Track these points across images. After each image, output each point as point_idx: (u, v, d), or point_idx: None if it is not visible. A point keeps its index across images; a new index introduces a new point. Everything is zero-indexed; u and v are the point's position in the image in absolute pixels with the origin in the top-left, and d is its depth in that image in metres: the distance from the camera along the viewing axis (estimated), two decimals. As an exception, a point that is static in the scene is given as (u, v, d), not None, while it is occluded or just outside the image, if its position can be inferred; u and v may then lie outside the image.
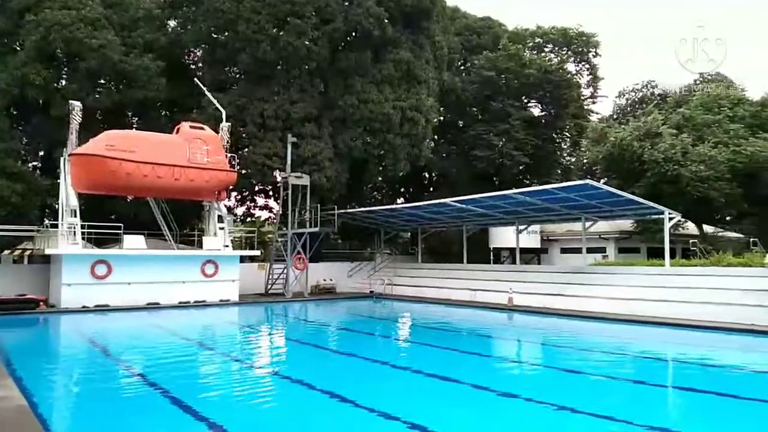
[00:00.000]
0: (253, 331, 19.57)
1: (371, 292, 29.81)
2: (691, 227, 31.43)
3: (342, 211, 30.12)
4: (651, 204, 22.81)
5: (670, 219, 22.76)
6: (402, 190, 44.05)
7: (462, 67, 42.05)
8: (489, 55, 38.00)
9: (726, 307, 17.40)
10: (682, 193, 27.41)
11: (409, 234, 40.60)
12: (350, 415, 8.25)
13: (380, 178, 38.35)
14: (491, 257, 35.26)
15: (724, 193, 27.48)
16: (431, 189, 43.20)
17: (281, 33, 28.21)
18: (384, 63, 30.99)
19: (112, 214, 27.90)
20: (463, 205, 26.40)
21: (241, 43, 28.06)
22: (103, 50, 25.53)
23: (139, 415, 8.20)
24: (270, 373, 11.81)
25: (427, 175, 43.78)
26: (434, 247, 38.62)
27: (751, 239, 28.72)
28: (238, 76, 31.76)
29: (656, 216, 24.43)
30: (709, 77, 37.72)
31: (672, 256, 23.42)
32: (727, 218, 33.25)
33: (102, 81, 27.68)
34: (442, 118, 39.70)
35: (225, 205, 28.20)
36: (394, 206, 34.39)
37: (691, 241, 28.84)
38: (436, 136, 38.68)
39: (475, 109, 40.16)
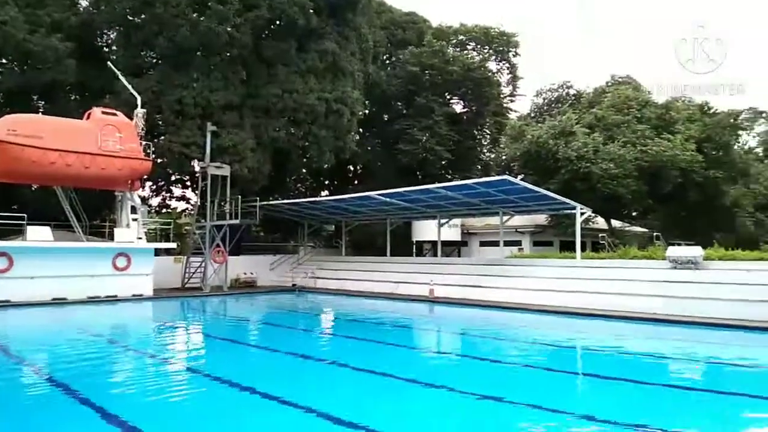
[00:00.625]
0: (169, 326, 18.86)
1: (294, 285, 29.51)
2: (600, 222, 33.20)
3: (264, 202, 29.56)
4: (564, 199, 23.91)
5: (582, 214, 23.96)
6: (326, 182, 43.84)
7: (387, 62, 42.29)
8: (414, 51, 38.42)
9: (631, 297, 18.55)
10: (593, 189, 28.90)
11: (333, 227, 40.51)
12: (273, 411, 8.12)
13: (304, 170, 37.99)
14: (414, 250, 35.78)
15: (631, 190, 29.21)
16: (356, 182, 43.26)
17: (201, 18, 27.24)
18: (309, 53, 30.63)
19: (15, 203, 26.03)
20: (387, 199, 26.61)
21: (159, 27, 26.85)
22: (4, 27, 23.68)
23: (46, 418, 7.71)
24: (188, 371, 11.43)
25: (351, 168, 43.77)
26: (358, 240, 38.75)
27: (655, 233, 30.72)
28: (155, 60, 30.38)
29: (569, 211, 25.62)
30: (620, 79, 39.83)
31: (583, 249, 24.66)
32: (633, 214, 35.43)
33: (4, 61, 25.71)
34: (367, 111, 39.81)
35: (139, 196, 26.96)
36: (318, 199, 34.17)
37: (600, 235, 30.51)
38: (361, 129, 38.75)
39: (399, 104, 40.56)
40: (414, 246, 36.03)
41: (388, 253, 31.76)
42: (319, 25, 30.56)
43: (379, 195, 26.12)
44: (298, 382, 10.15)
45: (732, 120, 33.48)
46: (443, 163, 38.72)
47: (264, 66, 29.90)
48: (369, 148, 40.52)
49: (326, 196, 39.85)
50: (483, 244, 36.72)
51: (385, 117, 41.48)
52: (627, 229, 36.48)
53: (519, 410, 8.14)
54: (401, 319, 20.38)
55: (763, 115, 50.87)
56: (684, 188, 30.36)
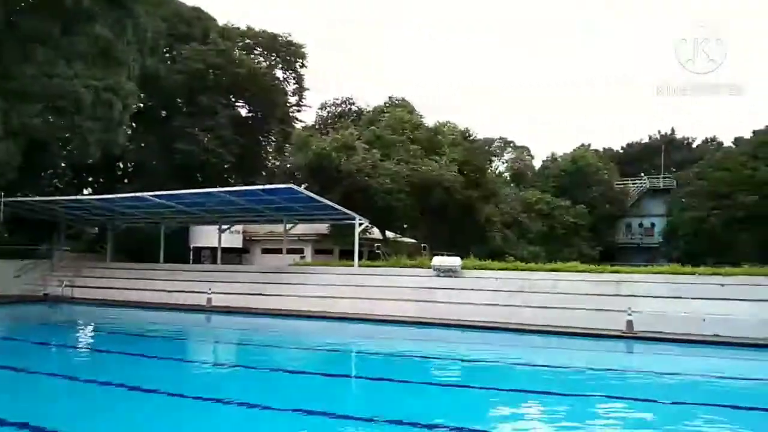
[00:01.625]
0: None
1: (45, 295, 25.83)
2: (376, 232, 35.23)
3: (11, 199, 25.52)
4: (345, 210, 24.88)
5: (360, 225, 25.20)
6: (90, 179, 39.42)
7: (168, 55, 39.67)
8: (198, 48, 36.71)
9: (402, 302, 19.98)
10: (371, 201, 30.56)
11: (97, 229, 36.57)
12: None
13: (64, 164, 33.67)
14: (191, 256, 34.00)
15: (403, 204, 31.53)
16: (126, 180, 39.64)
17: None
18: (77, 36, 27.26)
19: None
20: (164, 201, 24.91)
21: None
22: None
23: None
24: None
25: (121, 165, 40.04)
26: (127, 245, 35.46)
27: (422, 244, 33.54)
28: None
29: (349, 221, 26.68)
30: (396, 101, 42.87)
31: (360, 257, 25.88)
32: (405, 226, 38.28)
33: None
34: (142, 105, 36.82)
35: None
36: (80, 197, 30.53)
37: (376, 244, 32.35)
38: (134, 124, 35.68)
39: (180, 101, 38.32)
40: (191, 252, 34.23)
41: (162, 259, 29.68)
42: (91, 7, 27.41)
43: (154, 196, 24.29)
44: (38, 401, 8.90)
45: (487, 147, 38.25)
46: (226, 166, 37.51)
47: (20, 43, 25.82)
48: (143, 144, 37.47)
49: (90, 194, 35.82)
50: (266, 251, 36.38)
51: (164, 113, 38.84)
52: (399, 239, 39.27)
53: (285, 416, 8.18)
54: (172, 330, 19.21)
55: (511, 144, 59.30)
56: (447, 205, 33.72)
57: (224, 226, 29.86)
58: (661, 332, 16.15)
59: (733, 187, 40.14)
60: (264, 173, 43.12)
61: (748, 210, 38.69)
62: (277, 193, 23.24)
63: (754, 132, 43.91)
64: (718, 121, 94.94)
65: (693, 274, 19.72)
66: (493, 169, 47.85)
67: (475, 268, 22.44)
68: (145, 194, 24.39)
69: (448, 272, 21.70)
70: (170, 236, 31.65)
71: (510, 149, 60.01)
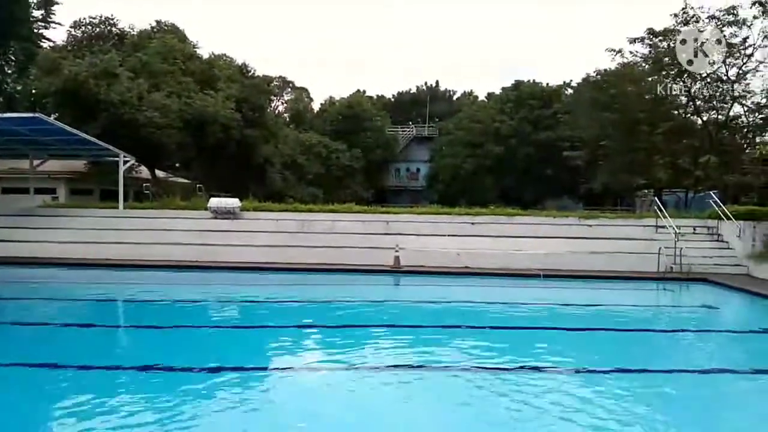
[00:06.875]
0: None
1: None
2: (144, 171, 32.52)
3: None
4: (106, 146, 22.52)
5: (125, 162, 23.06)
6: None
7: None
8: None
9: (175, 246, 19.01)
10: (138, 137, 27.91)
11: None
12: None
13: None
14: None
15: (175, 141, 29.43)
16: None
17: None
18: None
19: None
20: None
21: None
22: None
23: None
24: None
25: None
26: None
27: (198, 185, 31.97)
28: None
29: (112, 158, 24.20)
30: (166, 27, 39.16)
31: (126, 198, 23.79)
32: (177, 164, 35.99)
33: None
34: None
35: None
36: None
37: (144, 184, 29.90)
38: None
39: None
40: None
41: None
42: None
43: None
44: None
45: (266, 85, 37.31)
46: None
47: None
48: None
49: None
50: (7, 191, 31.22)
51: None
52: (171, 179, 36.83)
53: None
54: None
55: (291, 85, 58.91)
56: (225, 144, 32.38)
57: (-51, 161, 24.88)
58: (423, 266, 17.96)
59: (484, 137, 45.51)
60: (1, 99, 36.58)
61: (494, 159, 44.44)
62: (21, 123, 19.99)
63: (503, 89, 49.82)
64: (475, 75, 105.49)
65: (449, 214, 22.16)
66: (272, 108, 47.11)
67: (255, 210, 22.24)
68: None
69: (226, 214, 21.14)
70: None
71: (289, 89, 59.52)
